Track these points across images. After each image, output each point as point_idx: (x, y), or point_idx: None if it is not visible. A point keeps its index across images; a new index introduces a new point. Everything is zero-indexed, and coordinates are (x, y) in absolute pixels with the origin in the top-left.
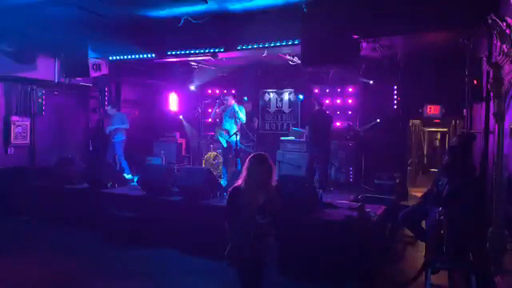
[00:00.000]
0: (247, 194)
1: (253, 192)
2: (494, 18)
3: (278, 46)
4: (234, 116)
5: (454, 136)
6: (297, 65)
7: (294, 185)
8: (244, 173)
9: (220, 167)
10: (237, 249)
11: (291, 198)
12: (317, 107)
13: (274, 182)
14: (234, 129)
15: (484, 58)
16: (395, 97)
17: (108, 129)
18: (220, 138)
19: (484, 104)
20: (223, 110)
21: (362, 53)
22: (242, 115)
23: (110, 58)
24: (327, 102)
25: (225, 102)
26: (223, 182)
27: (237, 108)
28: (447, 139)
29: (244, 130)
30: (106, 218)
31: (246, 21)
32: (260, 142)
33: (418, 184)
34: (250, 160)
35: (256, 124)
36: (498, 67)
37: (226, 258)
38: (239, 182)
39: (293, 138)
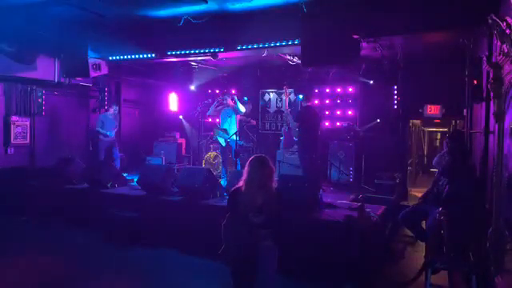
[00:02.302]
0: (247, 196)
1: (252, 193)
2: (494, 18)
3: (278, 46)
4: (234, 111)
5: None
6: (297, 65)
7: (294, 185)
8: (244, 175)
9: (220, 167)
10: (231, 248)
11: (291, 198)
12: (304, 104)
13: (274, 184)
14: (233, 129)
15: (484, 58)
16: (395, 97)
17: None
18: (219, 138)
19: (484, 104)
20: (222, 109)
21: (362, 53)
22: (241, 106)
23: (110, 57)
24: (327, 102)
25: (224, 102)
26: (223, 182)
27: (236, 102)
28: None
29: (244, 130)
30: (106, 218)
31: (246, 21)
32: (260, 142)
33: (417, 184)
34: (250, 163)
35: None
36: (498, 67)
37: (220, 258)
38: (240, 183)
39: (293, 137)
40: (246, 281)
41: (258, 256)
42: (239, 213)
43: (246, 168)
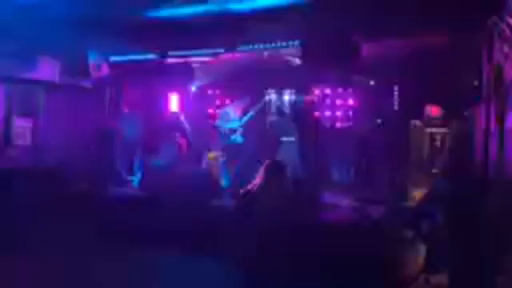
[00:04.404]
0: (262, 201)
1: (267, 198)
2: (494, 18)
3: (279, 46)
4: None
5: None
6: (297, 65)
7: (294, 185)
8: (259, 180)
9: (220, 167)
10: (247, 251)
11: (291, 199)
12: (301, 104)
13: (289, 189)
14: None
15: (484, 58)
16: (395, 97)
17: None
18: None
19: (484, 104)
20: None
21: (362, 53)
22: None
23: (111, 58)
24: (327, 102)
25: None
26: (224, 182)
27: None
28: (447, 139)
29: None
30: (106, 218)
31: (246, 21)
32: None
33: (417, 184)
34: (267, 168)
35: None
36: (498, 67)
37: (236, 260)
38: (253, 187)
39: (293, 138)
40: (260, 280)
41: (272, 255)
42: (254, 217)
43: (263, 173)
